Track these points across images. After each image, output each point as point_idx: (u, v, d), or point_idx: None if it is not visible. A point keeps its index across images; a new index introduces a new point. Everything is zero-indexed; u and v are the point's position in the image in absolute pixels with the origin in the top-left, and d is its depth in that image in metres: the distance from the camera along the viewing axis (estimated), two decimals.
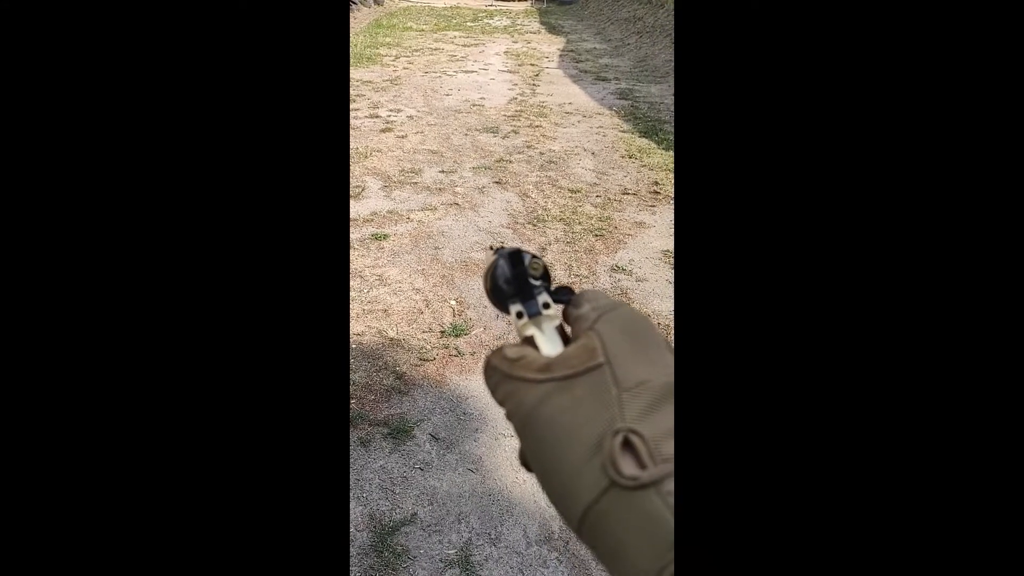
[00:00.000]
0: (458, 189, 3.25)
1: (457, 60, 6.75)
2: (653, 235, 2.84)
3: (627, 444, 0.22)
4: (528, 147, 3.91)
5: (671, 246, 2.68)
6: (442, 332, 2.10)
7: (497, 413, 1.77)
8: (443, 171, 3.48)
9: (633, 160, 3.73)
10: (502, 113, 4.68)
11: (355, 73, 5.76)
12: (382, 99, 4.93)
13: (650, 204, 3.12)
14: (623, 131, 4.35)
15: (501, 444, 1.72)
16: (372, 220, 2.85)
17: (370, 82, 5.46)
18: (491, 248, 0.40)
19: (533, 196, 3.21)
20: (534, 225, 2.88)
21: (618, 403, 0.24)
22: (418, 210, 2.99)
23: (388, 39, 7.83)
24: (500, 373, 0.27)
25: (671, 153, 3.85)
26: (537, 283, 0.30)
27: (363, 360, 1.97)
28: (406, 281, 2.38)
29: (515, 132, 4.21)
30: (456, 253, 2.61)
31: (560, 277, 2.43)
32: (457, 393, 1.87)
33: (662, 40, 7.24)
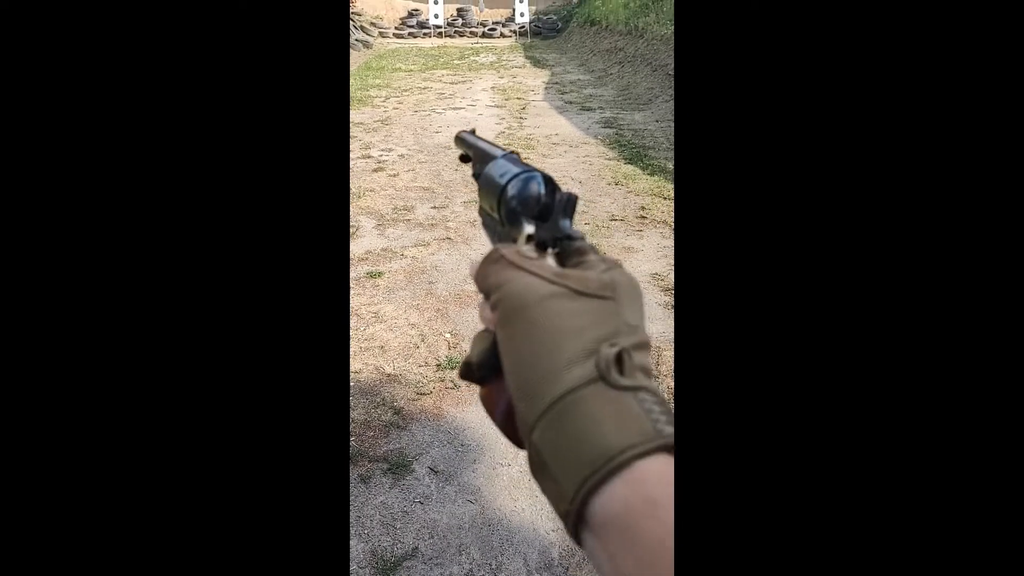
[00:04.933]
0: (450, 224, 3.32)
1: (445, 98, 6.93)
2: (642, 259, 2.89)
3: (618, 359, 0.25)
4: None
5: (660, 269, 2.73)
6: (438, 365, 2.14)
7: (494, 442, 1.80)
8: (435, 207, 3.56)
9: (619, 187, 3.81)
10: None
11: None
12: (373, 139, 5.05)
13: (637, 229, 3.19)
14: (609, 159, 4.45)
15: (499, 474, 1.74)
16: (367, 259, 2.91)
17: (361, 123, 5.59)
18: (471, 131, 0.41)
19: None
20: None
21: (618, 330, 0.27)
22: (411, 246, 3.05)
23: (378, 80, 8.03)
24: (506, 262, 0.29)
25: (656, 179, 3.94)
26: (567, 221, 0.31)
27: (361, 397, 2.01)
28: (401, 317, 2.43)
29: None
30: (450, 286, 2.66)
31: None
32: (455, 425, 1.89)
33: (643, 69, 7.43)
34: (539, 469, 0.26)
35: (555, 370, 0.25)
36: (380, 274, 2.75)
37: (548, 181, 0.32)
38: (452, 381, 2.06)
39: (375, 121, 5.73)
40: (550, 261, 0.31)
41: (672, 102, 5.92)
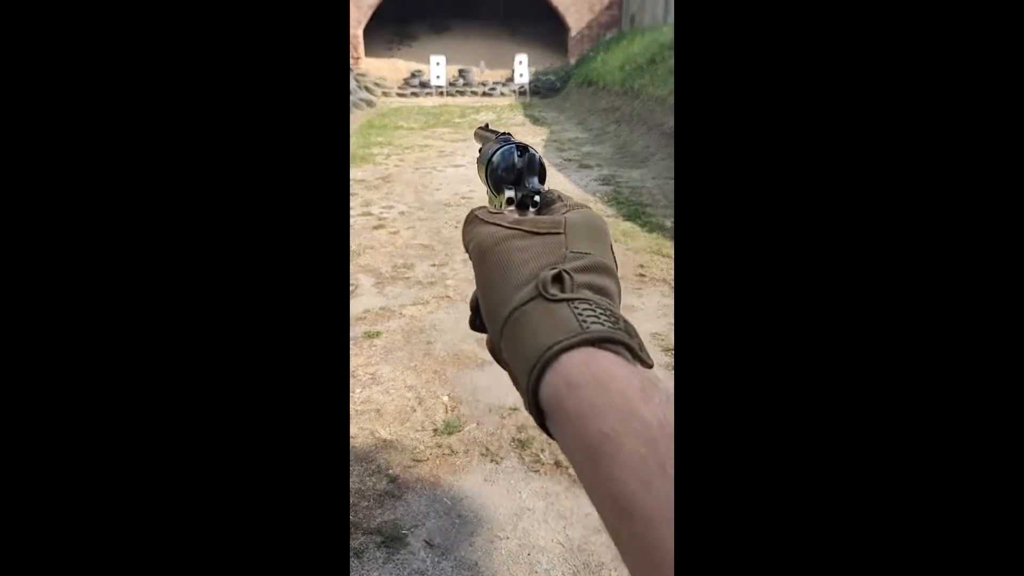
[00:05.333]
0: (449, 282, 3.33)
1: (446, 155, 7.09)
2: (641, 318, 2.88)
3: (559, 278, 0.30)
4: None
5: (660, 329, 2.72)
6: (435, 430, 2.09)
7: (492, 514, 1.74)
8: (434, 264, 3.57)
9: (617, 244, 3.84)
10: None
11: (350, 172, 6.01)
12: (374, 196, 5.13)
13: (636, 287, 3.19)
14: (607, 216, 4.51)
15: (497, 547, 1.68)
16: (364, 318, 2.90)
17: (363, 180, 5.70)
18: (485, 127, 0.50)
19: None
20: None
21: (562, 257, 0.32)
22: (410, 304, 3.05)
23: (380, 138, 8.24)
24: (479, 220, 0.35)
25: (654, 236, 3.98)
26: (540, 190, 0.37)
27: (356, 464, 1.95)
28: (399, 379, 2.40)
29: None
30: (448, 346, 2.64)
31: None
32: (451, 495, 1.84)
33: (639, 128, 7.65)
34: (513, 382, 0.30)
35: (507, 295, 0.31)
36: (378, 334, 2.73)
37: (522, 149, 0.39)
38: (449, 447, 2.01)
39: (376, 178, 5.84)
40: (530, 215, 0.37)
41: (668, 160, 6.05)
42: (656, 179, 5.60)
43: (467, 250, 0.35)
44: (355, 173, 6.04)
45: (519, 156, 0.38)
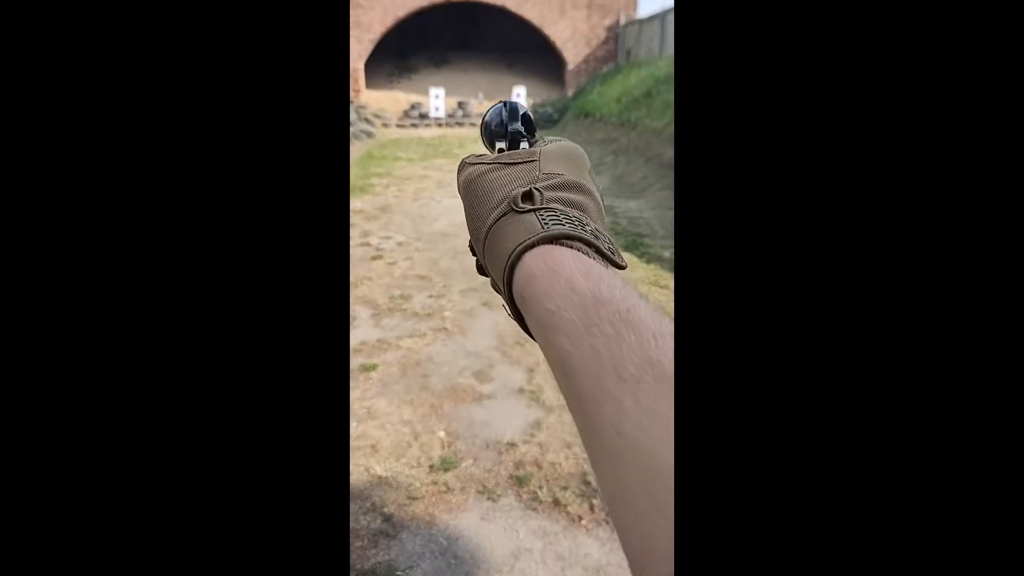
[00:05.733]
0: (446, 313, 3.32)
1: (444, 186, 7.15)
2: None
3: (529, 195, 0.33)
4: None
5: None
6: (431, 467, 2.06)
7: (489, 554, 1.69)
8: (432, 296, 3.57)
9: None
10: None
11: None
12: (373, 227, 5.15)
13: None
14: None
15: None
16: (361, 350, 2.88)
17: (362, 211, 5.73)
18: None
19: None
20: (521, 346, 2.91)
21: (535, 179, 0.35)
22: (407, 336, 3.03)
23: (379, 169, 8.32)
24: (467, 164, 0.39)
25: (652, 267, 3.98)
26: (523, 131, 0.42)
27: (351, 502, 1.91)
28: (395, 413, 2.36)
29: None
30: (444, 380, 2.61)
31: (549, 398, 2.42)
32: (447, 534, 1.79)
33: (637, 159, 7.74)
34: (499, 293, 0.33)
35: (485, 216, 0.34)
36: (374, 367, 2.71)
37: (509, 105, 0.43)
38: (445, 484, 1.97)
39: (375, 208, 5.87)
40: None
41: (666, 191, 6.11)
42: (654, 209, 5.64)
43: (459, 193, 0.39)
44: (354, 203, 6.08)
45: (504, 108, 0.43)
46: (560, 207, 0.33)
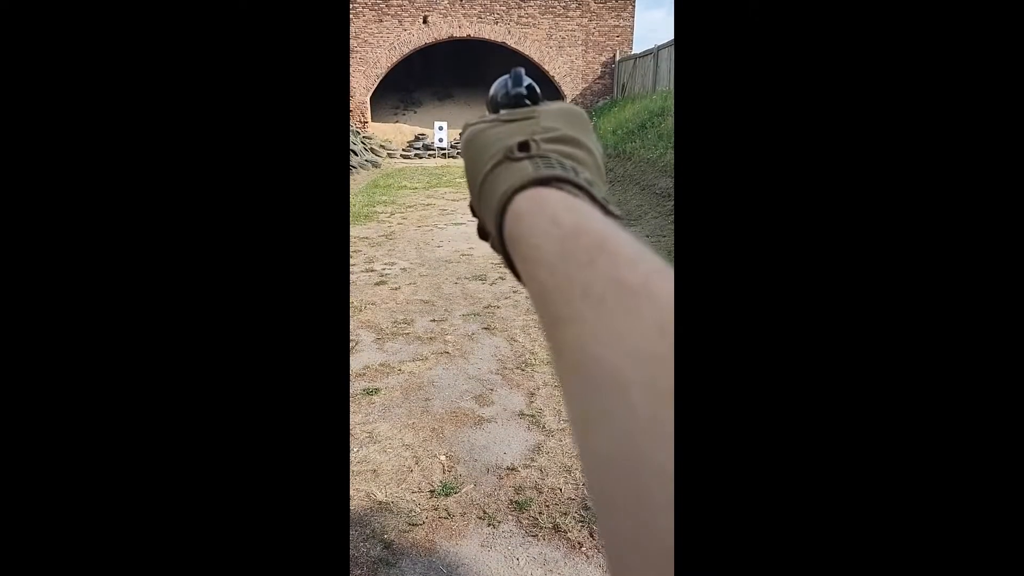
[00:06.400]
0: (448, 337, 3.32)
1: (447, 214, 7.21)
2: None
3: (525, 145, 0.33)
4: (514, 292, 4.06)
5: None
6: (432, 492, 2.03)
7: None
8: (434, 320, 3.57)
9: None
10: (489, 261, 4.90)
11: (353, 230, 6.10)
12: (377, 253, 5.19)
13: None
14: None
15: None
16: (364, 374, 2.87)
17: (367, 238, 5.78)
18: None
19: (520, 340, 3.27)
20: (522, 370, 2.90)
21: (532, 133, 0.35)
22: (409, 361, 3.02)
23: (384, 197, 8.41)
24: (469, 124, 0.39)
25: None
26: (525, 95, 0.42)
27: (351, 528, 1.88)
28: (396, 437, 2.35)
29: (502, 279, 4.39)
30: (446, 403, 2.60)
31: (550, 422, 2.40)
32: (447, 562, 1.76)
33: (632, 188, 7.81)
34: (491, 246, 0.33)
35: (482, 166, 0.35)
36: (376, 391, 2.70)
37: (514, 73, 0.44)
38: (446, 510, 1.95)
39: (380, 236, 5.92)
40: None
41: (661, 219, 6.15)
42: (650, 237, 5.67)
43: (461, 154, 0.40)
44: (359, 231, 6.13)
45: (509, 77, 0.44)
46: (556, 157, 0.33)
